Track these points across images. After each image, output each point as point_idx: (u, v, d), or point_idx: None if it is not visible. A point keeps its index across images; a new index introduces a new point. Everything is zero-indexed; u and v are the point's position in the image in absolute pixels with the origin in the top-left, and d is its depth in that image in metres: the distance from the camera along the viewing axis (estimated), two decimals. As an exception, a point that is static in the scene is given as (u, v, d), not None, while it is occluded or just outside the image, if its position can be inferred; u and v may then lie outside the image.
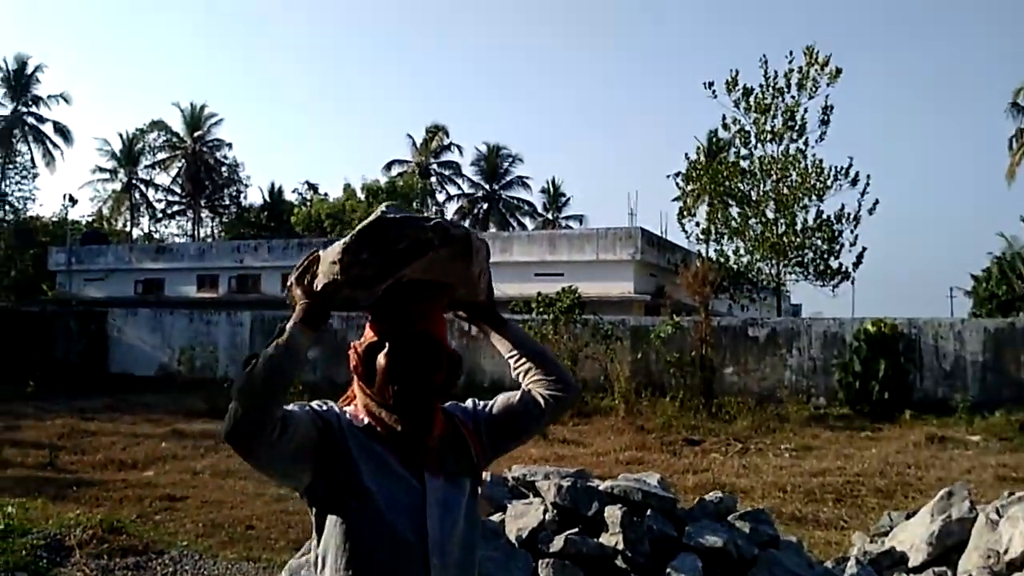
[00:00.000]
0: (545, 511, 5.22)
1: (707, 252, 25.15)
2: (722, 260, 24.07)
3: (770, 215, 23.67)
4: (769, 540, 5.45)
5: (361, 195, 48.57)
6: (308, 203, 52.83)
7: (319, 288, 2.00)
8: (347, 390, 2.18)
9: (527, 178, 60.43)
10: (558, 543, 4.92)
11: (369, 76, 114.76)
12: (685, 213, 25.14)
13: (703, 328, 20.29)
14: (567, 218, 59.58)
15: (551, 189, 60.27)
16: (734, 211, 24.11)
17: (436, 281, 2.08)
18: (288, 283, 2.11)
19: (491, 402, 2.28)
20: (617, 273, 27.41)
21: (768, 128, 23.63)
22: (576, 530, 5.26)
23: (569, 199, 62.59)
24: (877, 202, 23.22)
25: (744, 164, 24.24)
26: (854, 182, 23.61)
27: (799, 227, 23.18)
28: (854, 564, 5.88)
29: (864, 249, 23.27)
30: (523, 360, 2.28)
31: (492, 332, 2.32)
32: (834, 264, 23.32)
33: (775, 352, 20.84)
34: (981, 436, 16.28)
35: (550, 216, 59.89)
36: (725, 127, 24.47)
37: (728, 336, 21.30)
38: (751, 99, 23.75)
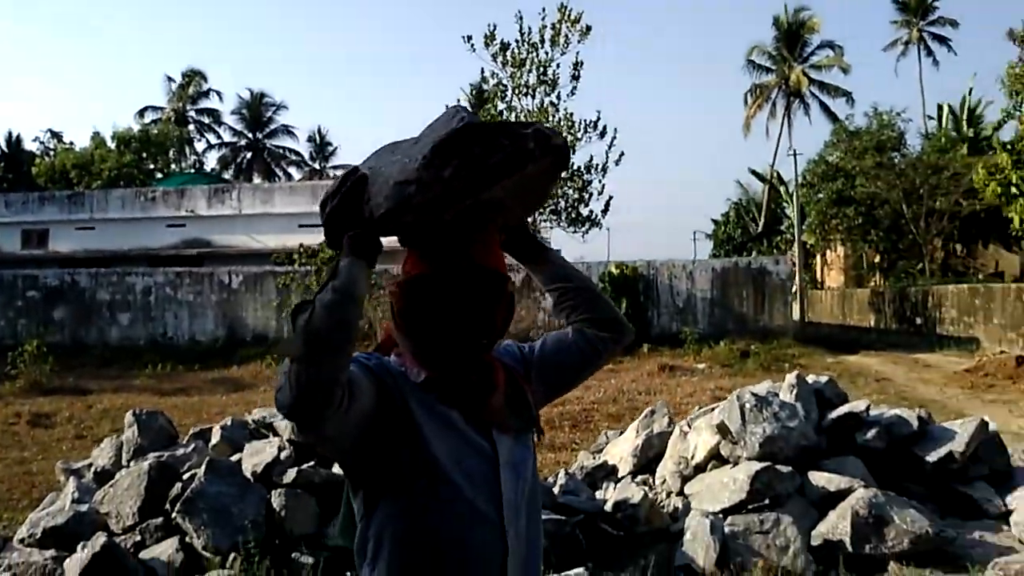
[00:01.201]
0: (280, 448, 5.65)
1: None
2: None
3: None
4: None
5: (111, 144, 45.68)
6: (52, 153, 48.97)
7: (382, 214, 1.65)
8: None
9: (293, 127, 59.11)
10: (291, 475, 5.37)
11: (122, 11, 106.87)
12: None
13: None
14: (336, 167, 58.94)
15: (318, 138, 59.36)
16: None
17: (499, 200, 1.73)
18: (326, 209, 1.75)
19: (539, 344, 2.02)
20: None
21: (524, 82, 24.59)
22: (312, 463, 5.74)
23: (336, 148, 61.96)
24: (623, 154, 24.86)
25: (502, 118, 25.09)
26: (602, 134, 25.15)
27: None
28: (563, 475, 6.75)
29: (611, 197, 24.92)
30: (568, 296, 2.00)
31: (531, 262, 2.02)
32: (584, 211, 24.83)
33: (529, 295, 22.08)
34: (706, 364, 18.26)
35: (318, 166, 58.99)
36: (484, 80, 25.24)
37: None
38: (508, 54, 24.59)
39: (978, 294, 21.17)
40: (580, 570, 4.79)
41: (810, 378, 7.48)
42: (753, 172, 48.40)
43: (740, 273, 21.76)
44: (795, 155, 33.24)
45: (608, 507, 6.46)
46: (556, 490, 6.48)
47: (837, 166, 29.73)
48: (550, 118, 24.57)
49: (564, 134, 24.08)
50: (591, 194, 24.87)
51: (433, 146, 1.61)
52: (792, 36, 45.95)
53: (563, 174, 1.93)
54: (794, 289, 34.67)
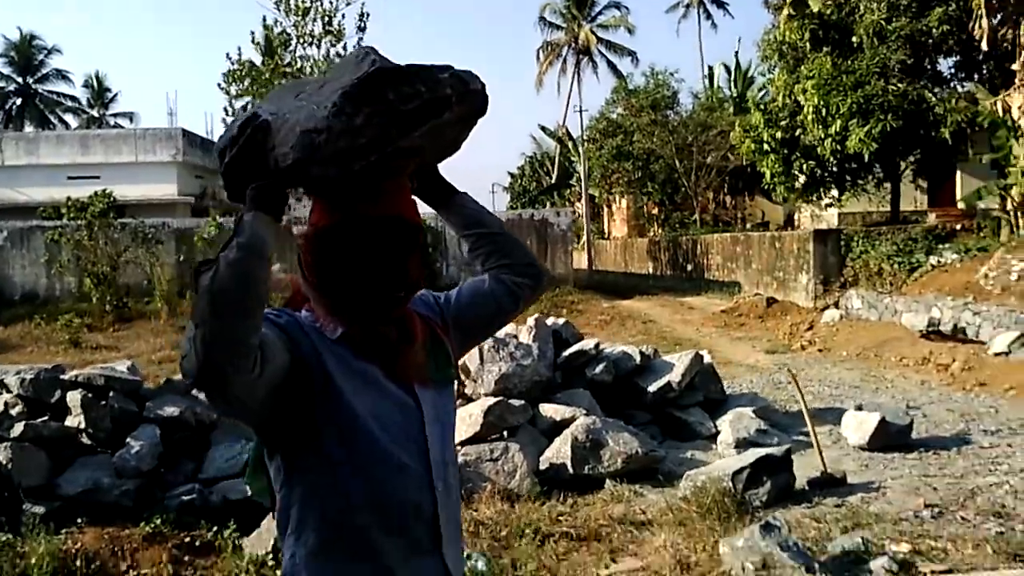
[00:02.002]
0: (8, 403, 5.54)
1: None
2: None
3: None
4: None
5: None
6: None
7: (289, 164, 1.51)
8: None
9: (68, 72, 54.91)
10: (18, 428, 5.31)
11: None
12: (229, 113, 24.93)
13: (247, 228, 20.80)
14: (116, 115, 55.40)
15: (95, 84, 55.40)
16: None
17: (412, 148, 1.63)
18: (225, 159, 1.61)
19: (454, 293, 1.94)
20: (159, 175, 26.56)
21: (308, 31, 24.10)
22: (46, 417, 5.68)
23: (117, 95, 58.14)
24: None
25: (287, 68, 24.51)
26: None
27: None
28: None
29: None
30: (484, 241, 1.92)
31: (443, 207, 1.93)
32: (373, 163, 24.76)
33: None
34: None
35: (96, 113, 55.22)
36: (267, 28, 24.49)
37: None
38: (291, 1, 23.98)
39: (739, 242, 22.96)
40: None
41: (549, 320, 8.04)
42: (543, 128, 49.71)
43: (524, 225, 22.49)
44: (581, 112, 34.46)
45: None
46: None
47: (617, 123, 31.19)
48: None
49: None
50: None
51: (343, 92, 1.48)
52: (581, -6, 47.29)
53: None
54: (582, 240, 36.20)
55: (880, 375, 10.70)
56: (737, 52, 34.12)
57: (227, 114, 24.99)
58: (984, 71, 19.03)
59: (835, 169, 19.78)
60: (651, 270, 29.66)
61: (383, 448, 1.59)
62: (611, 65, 48.41)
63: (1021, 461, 6.42)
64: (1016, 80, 15.59)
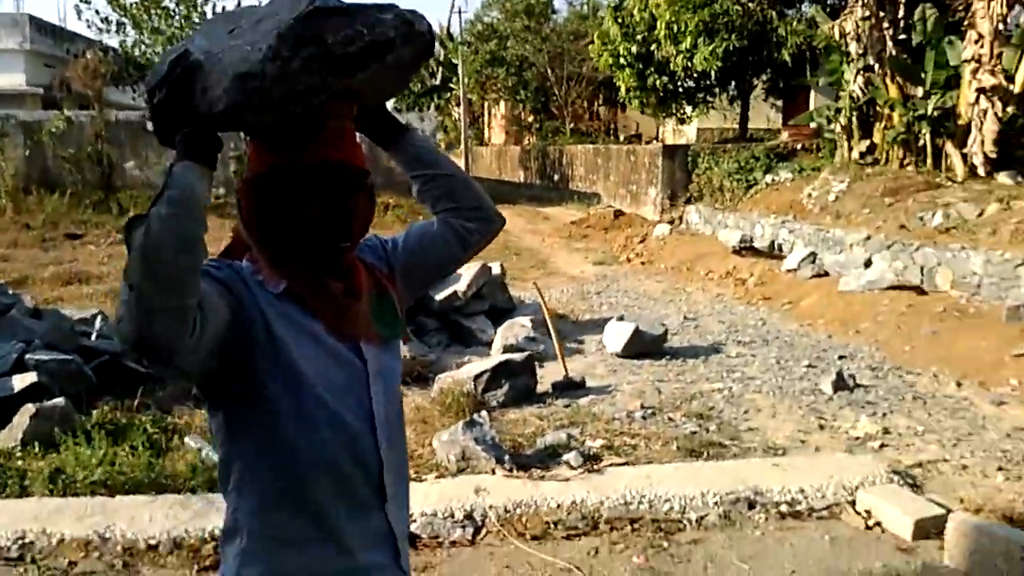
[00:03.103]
0: None
1: (113, 43, 24.29)
2: (123, 51, 23.51)
3: (172, 7, 23.49)
4: (2, 307, 6.44)
5: None
6: None
7: (220, 110, 1.41)
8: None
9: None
10: None
11: None
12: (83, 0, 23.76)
13: (98, 122, 20.16)
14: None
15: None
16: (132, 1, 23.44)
17: (353, 91, 1.55)
18: (153, 100, 1.49)
19: (402, 238, 1.85)
20: (5, 63, 25.19)
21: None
22: None
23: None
24: None
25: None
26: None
27: (199, 20, 23.40)
28: (99, 319, 7.15)
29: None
30: (433, 183, 1.82)
31: (390, 146, 1.81)
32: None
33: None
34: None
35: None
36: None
37: (128, 130, 21.25)
38: None
39: (600, 154, 23.48)
40: (60, 400, 5.27)
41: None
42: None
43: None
44: (460, 13, 33.99)
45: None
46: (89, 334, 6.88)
47: (493, 27, 31.04)
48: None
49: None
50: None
51: (279, 34, 1.38)
52: None
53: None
54: (461, 145, 36.17)
55: (682, 288, 11.45)
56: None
57: (81, 0, 23.85)
58: (830, -5, 19.71)
59: (686, 85, 20.33)
60: (522, 179, 30.05)
61: (328, 407, 1.54)
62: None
63: (754, 369, 7.15)
64: (848, 5, 16.24)
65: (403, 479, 1.73)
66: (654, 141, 27.83)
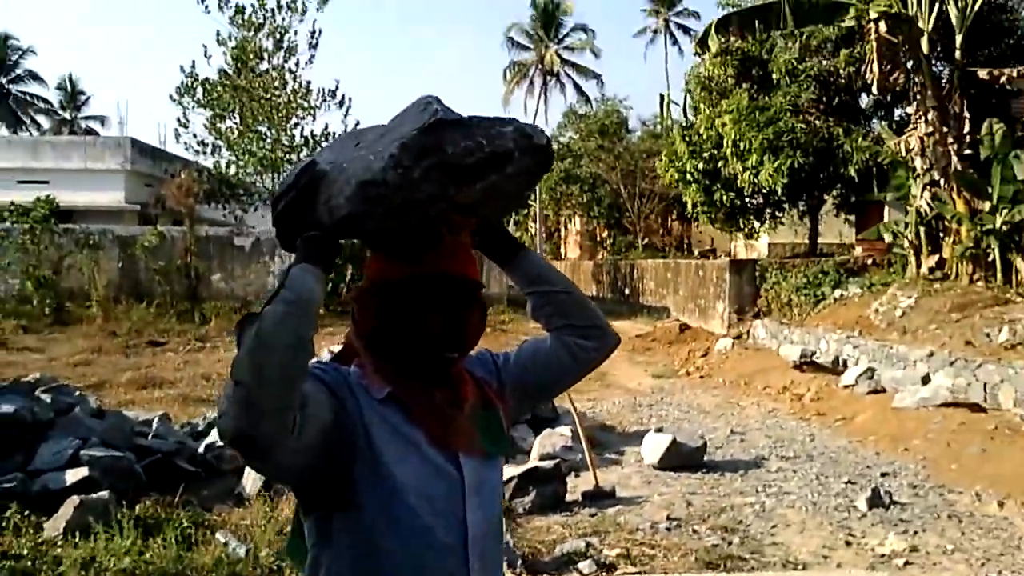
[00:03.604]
0: None
1: (208, 164, 25.90)
2: (216, 172, 25.02)
3: (264, 131, 25.00)
4: (67, 407, 6.87)
5: None
6: None
7: (343, 216, 1.48)
8: None
9: (39, 73, 55.35)
10: None
11: None
12: (181, 124, 25.53)
13: (188, 237, 21.37)
14: (87, 118, 55.86)
15: (68, 86, 55.82)
16: (228, 124, 25.05)
17: (471, 204, 1.59)
18: (278, 207, 1.58)
19: (514, 353, 1.85)
20: (107, 182, 27.13)
21: (259, 47, 24.72)
22: None
23: (90, 98, 58.62)
24: (358, 122, 25.61)
25: (240, 81, 25.10)
26: (341, 103, 25.79)
27: (288, 143, 24.84)
28: (157, 421, 7.53)
29: (346, 164, 25.63)
30: (548, 300, 1.83)
31: (506, 263, 1.83)
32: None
33: (259, 259, 22.47)
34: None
35: (68, 116, 55.61)
36: (220, 43, 25.10)
37: (216, 245, 22.46)
38: (243, 16, 24.59)
39: (669, 268, 23.65)
40: (104, 493, 5.57)
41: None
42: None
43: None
44: (539, 132, 34.88)
45: (201, 448, 7.35)
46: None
47: (567, 146, 31.98)
48: (285, 84, 24.92)
49: (293, 101, 24.87)
50: (328, 162, 25.41)
51: (401, 144, 1.46)
52: (548, 17, 48.27)
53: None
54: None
55: (736, 402, 11.35)
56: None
57: (180, 125, 25.59)
58: (895, 112, 19.86)
59: (753, 201, 20.51)
60: (595, 292, 30.34)
61: (421, 520, 1.52)
62: (577, 87, 49.42)
63: (792, 485, 7.06)
64: (912, 120, 16.34)
65: None
66: (722, 256, 27.89)
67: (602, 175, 30.24)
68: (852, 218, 24.78)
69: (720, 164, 19.90)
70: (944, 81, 16.32)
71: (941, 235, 15.94)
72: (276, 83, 24.93)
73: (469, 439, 1.61)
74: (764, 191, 19.39)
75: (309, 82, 25.33)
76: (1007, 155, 14.61)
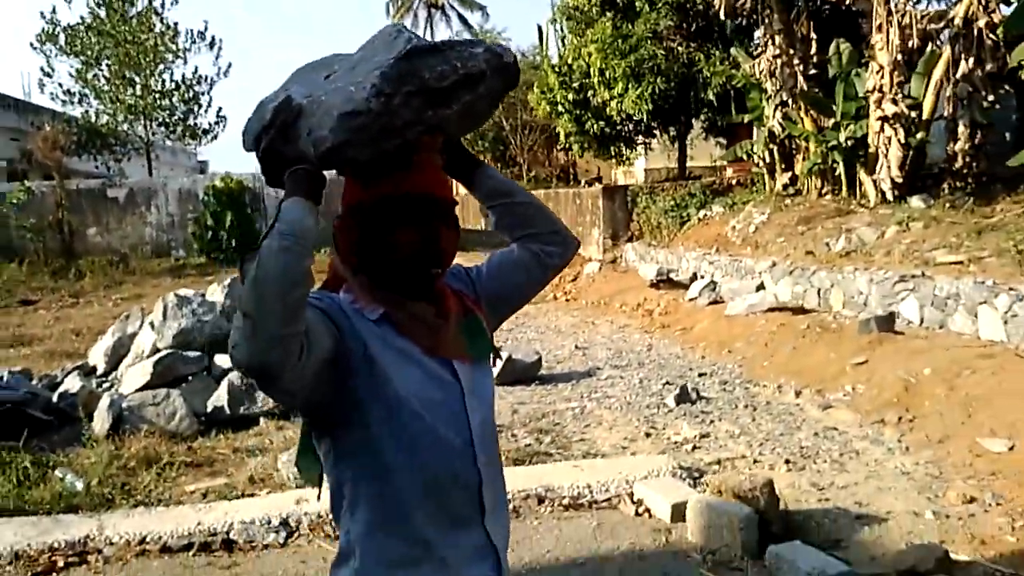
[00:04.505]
0: None
1: (76, 114, 25.12)
2: (85, 122, 24.33)
3: (134, 77, 24.37)
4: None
5: None
6: None
7: (328, 148, 1.54)
8: None
9: None
10: None
11: None
12: (45, 73, 24.68)
13: (58, 192, 20.88)
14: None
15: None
16: (95, 72, 24.33)
17: (444, 123, 1.67)
18: (262, 143, 1.63)
19: (484, 265, 1.96)
20: (-32, 138, 26.04)
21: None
22: None
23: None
24: (231, 64, 25.29)
25: (106, 26, 24.32)
26: (211, 45, 25.27)
27: (158, 88, 24.30)
28: (6, 373, 7.69)
29: (220, 108, 25.32)
30: (511, 211, 1.94)
31: (468, 179, 1.93)
32: (193, 123, 24.96)
33: (135, 211, 22.11)
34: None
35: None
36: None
37: (88, 198, 21.95)
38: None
39: (550, 198, 24.18)
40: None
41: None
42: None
43: (333, 182, 23.13)
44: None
45: (55, 397, 7.56)
46: (-7, 387, 7.42)
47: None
48: (155, 27, 24.28)
49: (160, 45, 24.22)
50: (200, 106, 25.04)
51: (381, 73, 1.53)
52: (428, -51, 47.64)
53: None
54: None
55: (592, 321, 12.01)
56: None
57: (43, 74, 24.72)
58: (755, 35, 20.57)
59: (623, 128, 21.10)
60: (483, 226, 30.70)
61: (428, 425, 1.61)
62: (462, 19, 49.09)
63: (617, 390, 7.69)
64: (763, 45, 17.05)
65: (501, 493, 1.80)
66: (597, 183, 28.57)
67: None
68: (723, 141, 25.68)
69: (589, 93, 20.35)
70: (793, 4, 17.01)
71: (794, 153, 16.82)
72: (143, 27, 24.26)
73: (458, 347, 1.71)
74: (633, 118, 19.97)
75: (176, 23, 24.73)
76: (849, 73, 15.42)
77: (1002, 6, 14.31)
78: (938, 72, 14.59)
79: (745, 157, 17.89)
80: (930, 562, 3.80)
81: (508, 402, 7.36)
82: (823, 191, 15.72)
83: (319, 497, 1.77)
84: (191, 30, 25.02)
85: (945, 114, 14.57)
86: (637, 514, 4.73)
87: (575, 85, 20.54)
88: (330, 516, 4.70)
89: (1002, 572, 3.90)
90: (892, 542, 4.27)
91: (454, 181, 1.89)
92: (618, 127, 20.89)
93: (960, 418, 5.98)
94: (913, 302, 10.01)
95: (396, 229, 1.64)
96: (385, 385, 1.59)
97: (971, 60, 14.01)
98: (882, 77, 14.25)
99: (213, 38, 25.27)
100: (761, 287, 11.06)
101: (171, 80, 24.49)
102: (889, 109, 14.19)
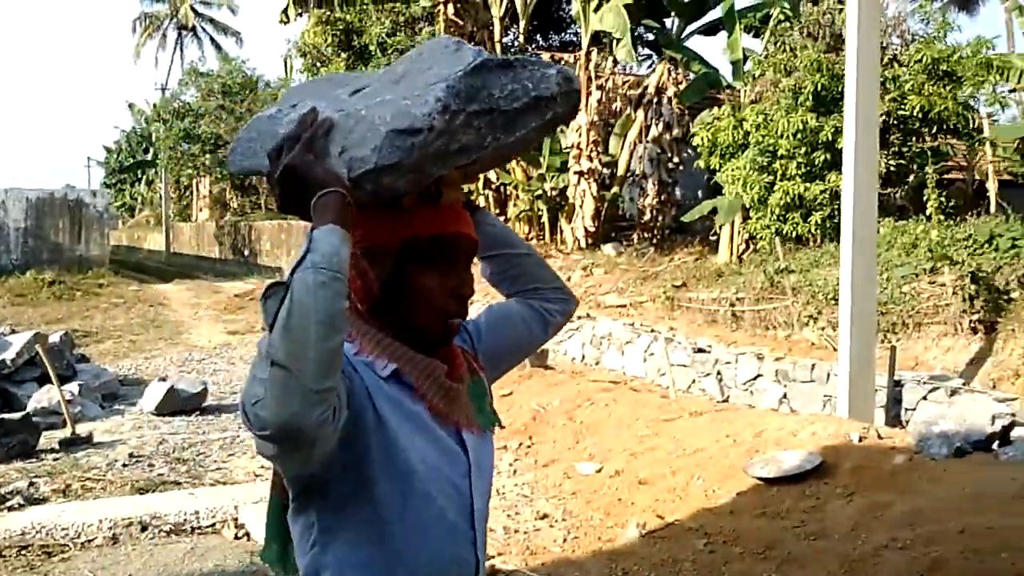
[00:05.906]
0: None
1: None
2: None
3: None
4: None
5: None
6: None
7: (367, 171, 1.29)
8: None
9: None
10: None
11: None
12: None
13: None
14: None
15: None
16: None
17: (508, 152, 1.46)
18: (282, 159, 1.31)
19: (481, 319, 1.70)
20: None
21: None
22: None
23: None
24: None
25: None
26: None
27: None
28: None
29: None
30: (508, 263, 1.72)
31: None
32: None
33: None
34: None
35: None
36: None
37: None
38: None
39: (283, 229, 24.14)
40: None
41: None
42: (130, 105, 47.29)
43: (56, 204, 22.01)
44: (164, 90, 33.75)
45: None
46: None
47: (189, 105, 31.12)
48: None
49: None
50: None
51: (448, 86, 1.29)
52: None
53: None
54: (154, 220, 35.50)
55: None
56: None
57: None
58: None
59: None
60: (218, 254, 30.05)
61: (438, 504, 1.41)
62: (215, 43, 47.82)
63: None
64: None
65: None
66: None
67: (223, 136, 29.77)
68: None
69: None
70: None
71: (507, 199, 17.95)
72: None
73: (468, 414, 1.50)
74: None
75: None
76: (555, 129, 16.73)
77: (691, 75, 16.24)
78: (632, 134, 16.25)
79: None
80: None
81: (162, 433, 7.40)
82: (530, 236, 16.86)
83: None
84: None
85: (637, 172, 16.26)
86: (236, 538, 4.99)
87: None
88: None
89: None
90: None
91: None
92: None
93: (569, 444, 6.75)
94: (578, 340, 11.06)
95: (422, 274, 1.42)
96: (397, 454, 1.37)
97: (660, 125, 15.75)
98: (580, 136, 15.62)
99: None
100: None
101: None
102: (585, 165, 15.59)
